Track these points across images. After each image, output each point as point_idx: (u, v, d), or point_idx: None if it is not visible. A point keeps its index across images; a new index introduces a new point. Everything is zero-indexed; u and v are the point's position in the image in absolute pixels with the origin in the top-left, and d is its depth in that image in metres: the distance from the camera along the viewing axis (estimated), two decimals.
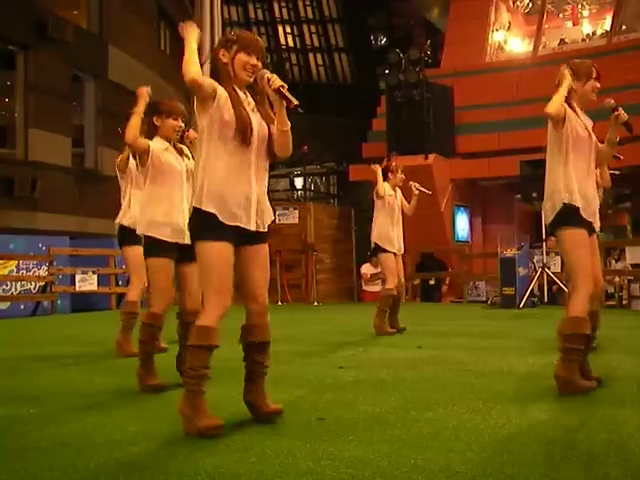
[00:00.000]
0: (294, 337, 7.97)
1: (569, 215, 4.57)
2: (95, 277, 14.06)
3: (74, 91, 16.94)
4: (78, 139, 17.12)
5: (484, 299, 15.59)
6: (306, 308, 13.65)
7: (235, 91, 3.69)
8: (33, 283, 13.76)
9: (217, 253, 3.58)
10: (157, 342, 5.13)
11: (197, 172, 3.68)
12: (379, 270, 9.53)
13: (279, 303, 15.34)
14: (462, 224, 18.35)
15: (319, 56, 37.97)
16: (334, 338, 8.18)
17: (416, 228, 12.62)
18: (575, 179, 4.58)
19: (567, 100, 4.67)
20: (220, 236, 3.58)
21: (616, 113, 4.82)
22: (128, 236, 6.55)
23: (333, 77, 37.75)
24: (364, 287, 17.13)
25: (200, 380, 3.55)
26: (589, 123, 4.76)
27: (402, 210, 8.72)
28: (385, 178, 8.62)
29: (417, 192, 8.84)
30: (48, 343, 8.27)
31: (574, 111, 4.67)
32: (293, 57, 37.89)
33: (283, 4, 37.83)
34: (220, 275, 3.58)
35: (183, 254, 4.92)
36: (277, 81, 3.62)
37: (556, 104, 4.55)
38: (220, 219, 3.58)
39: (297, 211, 17.00)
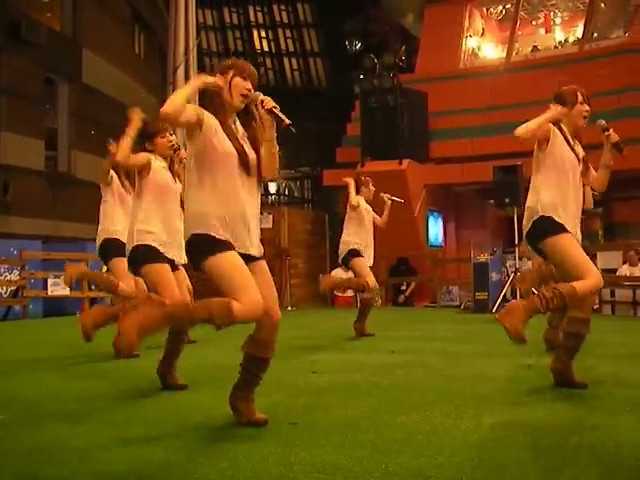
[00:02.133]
0: None
1: (547, 224, 4.61)
2: None
3: (47, 94, 16.85)
4: (51, 142, 17.03)
5: (457, 304, 15.65)
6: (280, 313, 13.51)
7: (226, 121, 3.69)
8: (4, 287, 13.65)
9: (232, 261, 3.54)
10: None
11: (190, 199, 3.67)
12: (350, 275, 9.53)
13: None
14: (435, 229, 18.41)
15: (294, 60, 38.02)
16: (308, 343, 8.18)
17: (389, 233, 12.61)
18: (553, 195, 4.63)
19: (558, 124, 4.73)
20: (229, 248, 3.56)
21: (607, 134, 4.89)
22: (113, 248, 6.58)
23: (308, 82, 37.80)
24: (336, 292, 17.09)
25: (179, 323, 3.69)
26: (580, 151, 4.82)
27: (374, 223, 8.70)
28: (357, 192, 8.57)
29: (389, 202, 8.83)
30: (19, 348, 8.20)
31: (564, 135, 4.73)
32: (268, 61, 37.89)
33: (258, 8, 37.85)
34: (245, 280, 3.51)
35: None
36: (270, 102, 3.66)
37: (524, 128, 4.58)
38: (224, 239, 3.56)
39: (271, 216, 16.97)
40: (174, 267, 5.33)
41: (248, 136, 3.78)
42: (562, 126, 4.77)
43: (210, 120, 3.62)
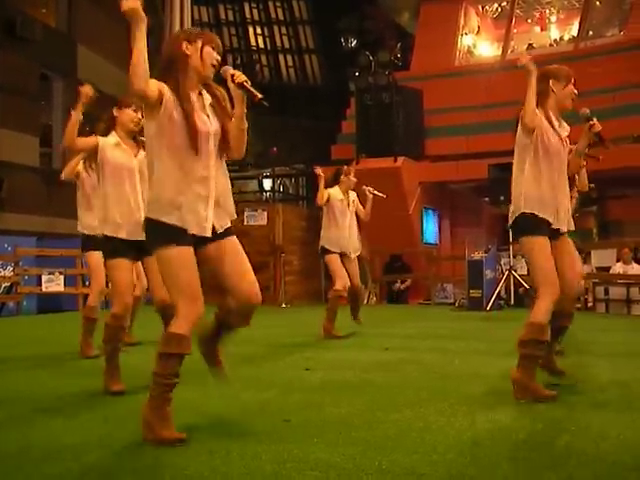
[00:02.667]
0: (261, 339, 7.95)
1: (527, 223, 4.61)
2: (62, 278, 13.91)
3: (42, 90, 16.80)
4: (46, 139, 16.98)
5: (452, 301, 15.65)
6: (274, 310, 13.64)
7: (190, 91, 3.57)
8: None
9: (180, 258, 3.46)
10: (121, 342, 5.10)
11: (151, 181, 3.58)
12: None
13: None
14: (430, 226, 18.41)
15: (289, 57, 37.98)
16: (301, 340, 8.18)
17: (385, 230, 12.66)
18: (539, 186, 4.60)
19: (543, 106, 4.67)
20: (180, 241, 3.47)
21: (591, 123, 4.86)
22: (89, 241, 6.62)
23: (303, 79, 37.76)
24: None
25: (167, 388, 3.46)
26: (564, 130, 4.77)
27: (358, 217, 8.71)
28: (337, 182, 8.60)
29: (371, 195, 8.80)
30: (13, 345, 8.19)
31: (547, 117, 4.68)
32: (263, 58, 37.84)
33: (253, 5, 37.78)
34: (188, 280, 3.46)
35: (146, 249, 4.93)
36: (241, 76, 3.57)
37: (529, 113, 4.53)
38: (179, 226, 3.47)
39: (266, 212, 16.95)
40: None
41: (214, 107, 3.67)
42: (548, 106, 4.68)
43: (170, 94, 3.51)
